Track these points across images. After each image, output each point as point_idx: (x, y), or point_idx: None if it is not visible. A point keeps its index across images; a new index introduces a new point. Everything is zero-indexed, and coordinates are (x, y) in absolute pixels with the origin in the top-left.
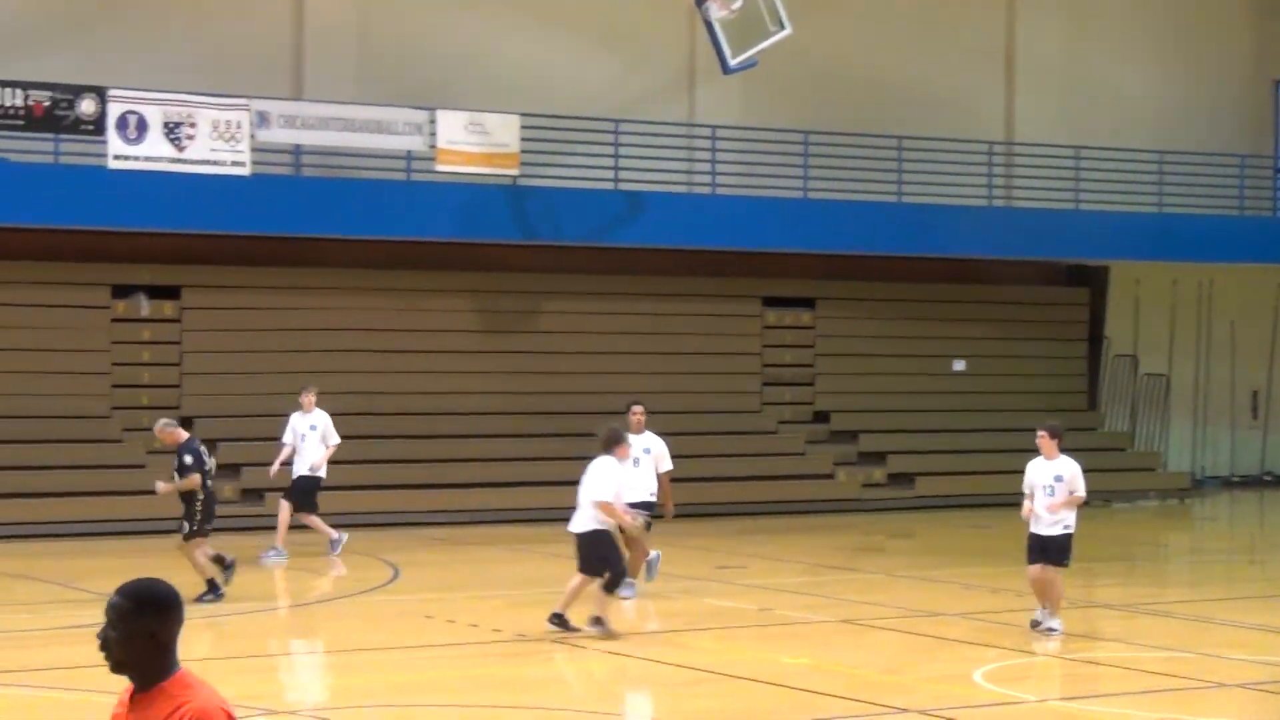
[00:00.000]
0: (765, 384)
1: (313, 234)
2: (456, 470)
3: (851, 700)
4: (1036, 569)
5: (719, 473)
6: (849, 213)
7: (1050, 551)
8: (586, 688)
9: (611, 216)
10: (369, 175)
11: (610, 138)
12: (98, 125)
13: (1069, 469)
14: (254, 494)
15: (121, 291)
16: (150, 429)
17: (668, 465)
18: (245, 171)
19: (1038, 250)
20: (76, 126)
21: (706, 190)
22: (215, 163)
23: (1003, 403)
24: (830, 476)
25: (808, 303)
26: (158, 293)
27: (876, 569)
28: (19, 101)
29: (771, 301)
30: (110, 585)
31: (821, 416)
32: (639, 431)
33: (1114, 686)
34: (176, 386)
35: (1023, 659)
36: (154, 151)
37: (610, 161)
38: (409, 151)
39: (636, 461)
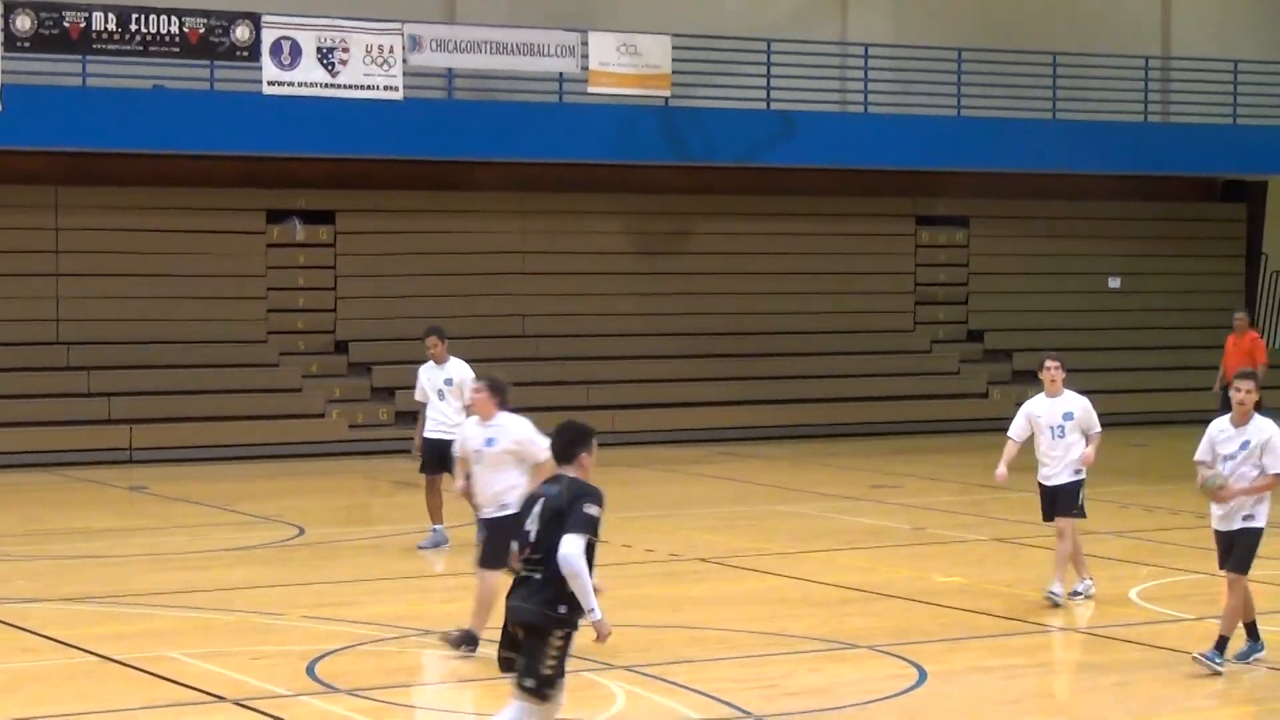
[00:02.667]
0: (918, 303)
1: (465, 157)
2: (608, 392)
3: (1006, 619)
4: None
5: (872, 392)
6: (1003, 130)
7: (1060, 501)
8: (739, 607)
9: (764, 137)
10: (521, 98)
11: (762, 57)
12: (252, 51)
13: (1078, 404)
14: (409, 417)
15: (276, 216)
16: (304, 353)
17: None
18: (398, 96)
19: (1194, 166)
20: (231, 53)
21: (859, 109)
22: (368, 87)
23: (1159, 320)
24: (984, 395)
25: (961, 221)
26: (312, 218)
27: (1031, 488)
28: (174, 29)
29: (925, 220)
30: (267, 508)
31: (975, 335)
32: (442, 361)
33: (1273, 604)
34: (331, 311)
35: (1179, 577)
36: (308, 77)
37: (762, 82)
38: (561, 74)
39: (441, 394)
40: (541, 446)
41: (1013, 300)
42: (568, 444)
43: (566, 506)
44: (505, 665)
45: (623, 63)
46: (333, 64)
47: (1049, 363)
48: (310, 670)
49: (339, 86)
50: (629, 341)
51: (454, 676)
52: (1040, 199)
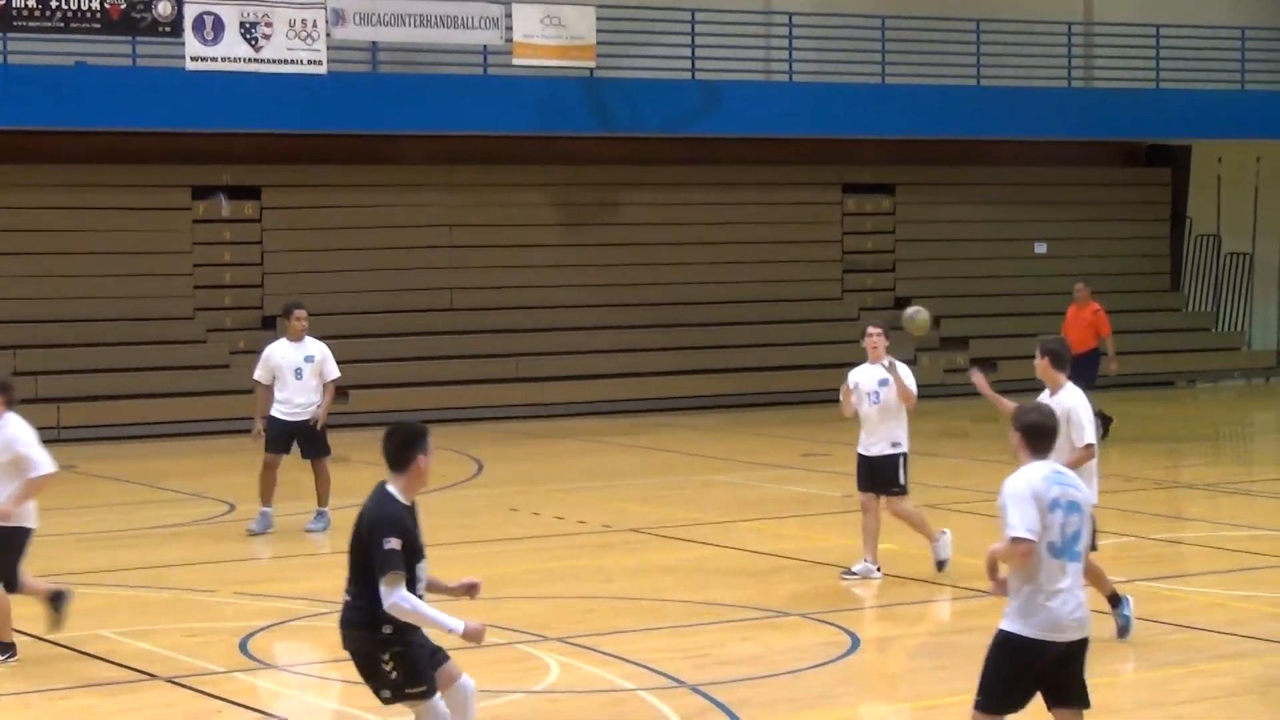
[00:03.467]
0: (846, 271)
1: (391, 131)
2: (536, 364)
3: (937, 585)
4: (869, 498)
5: (802, 361)
6: (928, 97)
7: (876, 475)
8: (672, 577)
9: (689, 107)
10: (446, 71)
11: (687, 28)
12: (174, 27)
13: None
14: (339, 392)
15: (202, 193)
16: (231, 328)
17: (334, 374)
18: (322, 70)
19: (1118, 131)
20: (153, 29)
21: (784, 78)
22: (292, 61)
23: None
24: (912, 362)
25: (887, 189)
26: (238, 193)
27: (959, 454)
28: (95, 5)
29: (851, 188)
30: (195, 485)
31: (903, 303)
32: (299, 339)
33: (1199, 566)
34: (259, 286)
35: (1108, 540)
36: (231, 52)
37: (687, 52)
38: (485, 46)
39: (299, 372)
40: (37, 458)
41: (940, 267)
42: (400, 448)
43: (366, 536)
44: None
45: (547, 34)
46: (255, 39)
47: (870, 329)
48: (243, 646)
49: (262, 61)
50: (558, 313)
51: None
52: (966, 166)
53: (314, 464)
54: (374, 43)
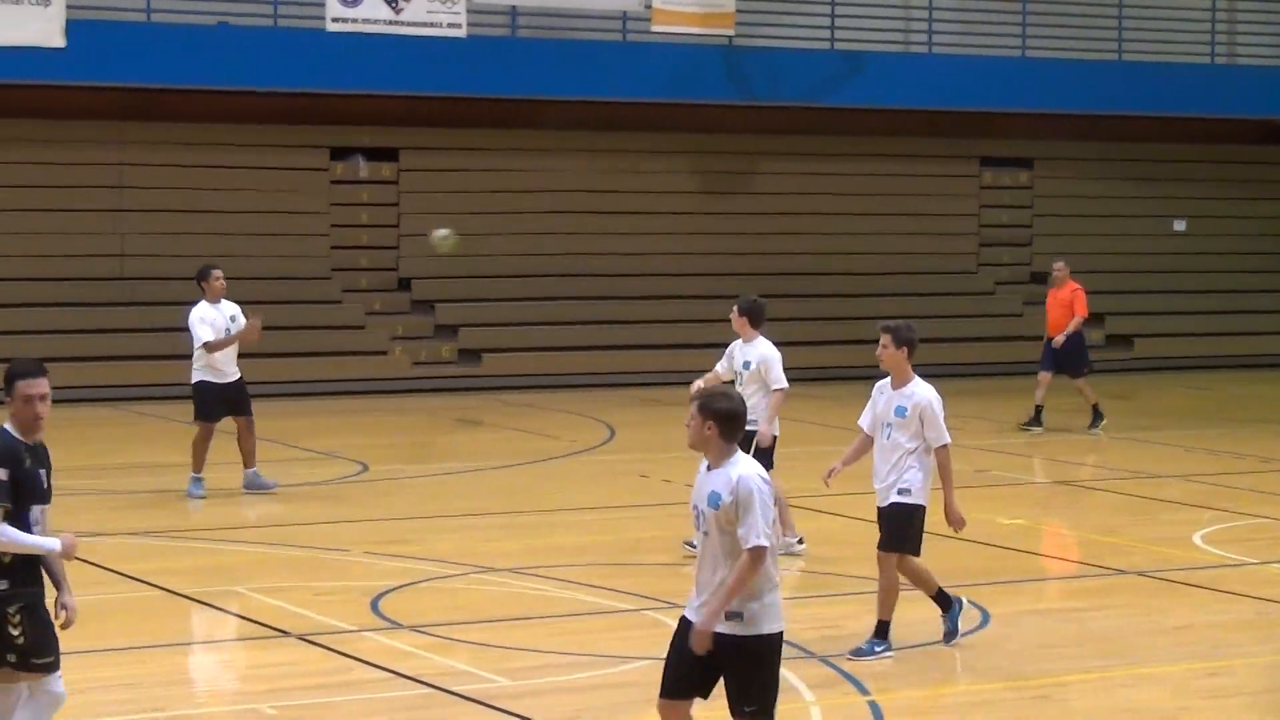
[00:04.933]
0: (982, 245)
1: (528, 95)
2: (669, 331)
3: (1068, 561)
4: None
5: (935, 334)
6: (1068, 71)
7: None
8: (805, 547)
9: (827, 76)
10: (584, 36)
11: None
12: None
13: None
14: (471, 355)
15: (340, 154)
16: (367, 290)
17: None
18: (461, 33)
19: (1260, 108)
20: None
21: (923, 49)
22: (432, 24)
23: (1222, 264)
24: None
25: (1025, 163)
26: (376, 155)
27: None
28: None
29: (989, 161)
30: (329, 444)
31: (1039, 277)
32: (217, 300)
33: None
34: (394, 248)
35: (1244, 521)
36: (371, 14)
37: (827, 21)
38: (624, 12)
39: (227, 331)
40: None
41: (1077, 242)
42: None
43: None
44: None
45: (686, 1)
46: (396, 1)
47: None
48: (374, 606)
49: (402, 24)
50: (691, 281)
51: (516, 613)
52: (1105, 140)
53: (247, 422)
54: (513, 7)
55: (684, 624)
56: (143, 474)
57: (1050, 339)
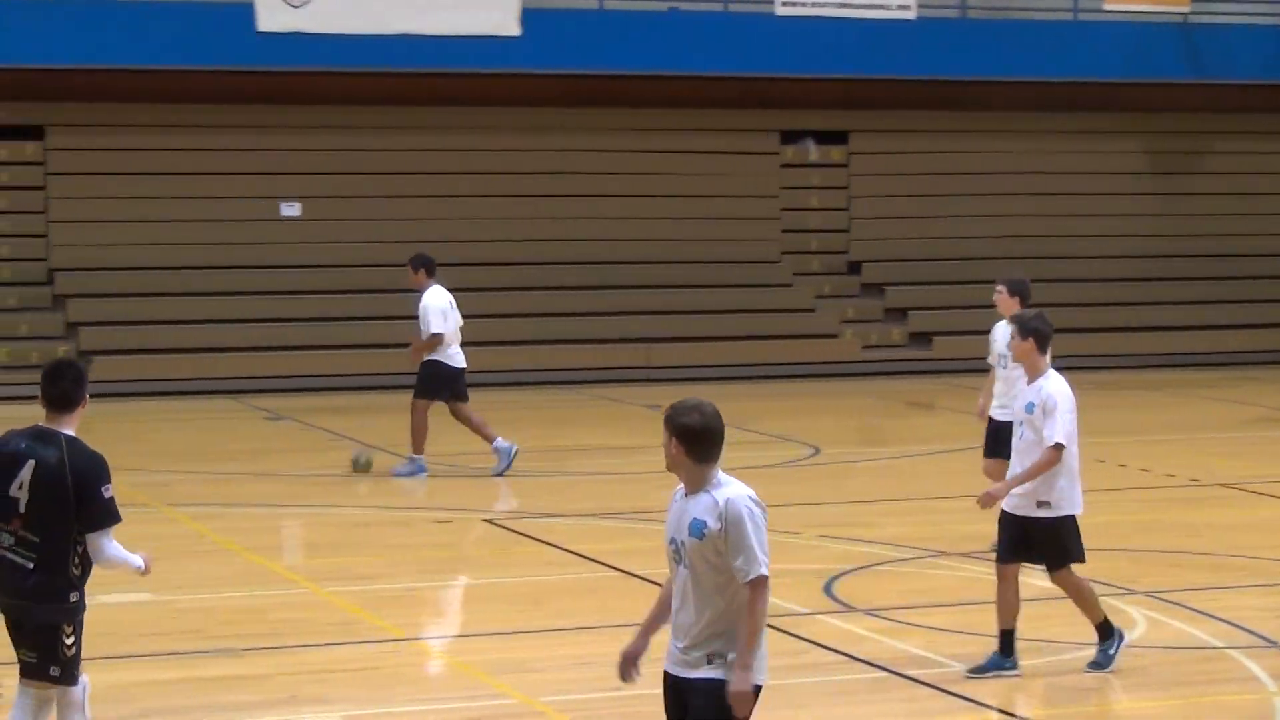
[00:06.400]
0: None
1: (978, 76)
2: (1115, 314)
3: None
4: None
5: None
6: None
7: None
8: (1265, 534)
9: None
10: (1035, 17)
11: None
12: None
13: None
14: (921, 338)
15: (790, 137)
16: (817, 273)
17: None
18: (910, 15)
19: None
20: None
21: None
22: (881, 6)
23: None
24: None
25: None
26: (825, 138)
27: None
28: None
29: None
30: (780, 428)
31: None
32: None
33: None
34: (845, 231)
35: None
36: None
37: None
38: None
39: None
40: None
41: None
42: (75, 384)
43: (74, 487)
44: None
45: None
46: None
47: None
48: (827, 589)
49: (851, 6)
50: (1141, 263)
51: (972, 596)
52: None
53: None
54: None
55: (668, 681)
56: (599, 456)
57: None
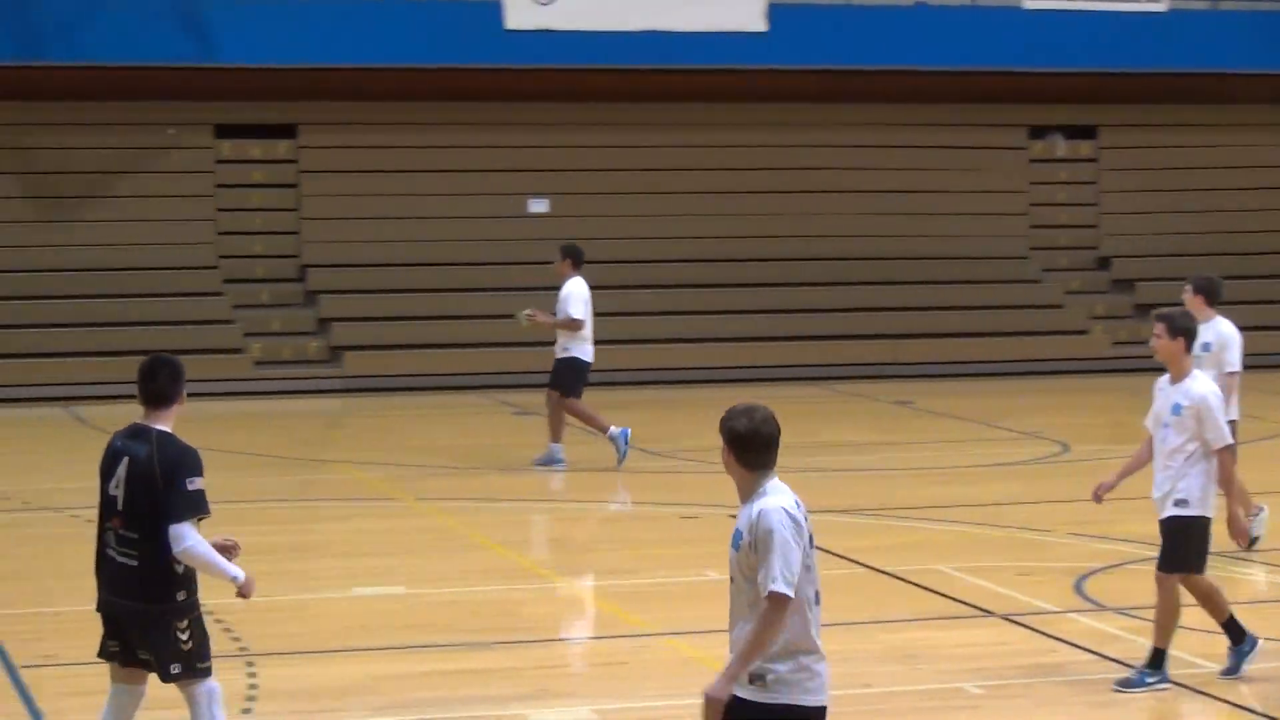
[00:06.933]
0: None
1: (1230, 69)
2: None
3: None
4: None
5: None
6: None
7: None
8: None
9: None
10: None
11: None
12: None
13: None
14: None
15: (1037, 132)
16: (1065, 269)
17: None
18: (1161, 7)
19: None
20: None
21: None
22: None
23: None
24: None
25: None
26: (1074, 132)
27: None
28: None
29: None
30: (1029, 424)
31: None
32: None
33: None
34: (1094, 227)
35: None
36: None
37: None
38: None
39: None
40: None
41: None
42: (171, 381)
43: (161, 479)
44: (117, 658)
45: None
46: None
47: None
48: (1078, 587)
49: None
50: None
51: (1246, 596)
52: None
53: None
54: None
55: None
56: (846, 452)
57: None
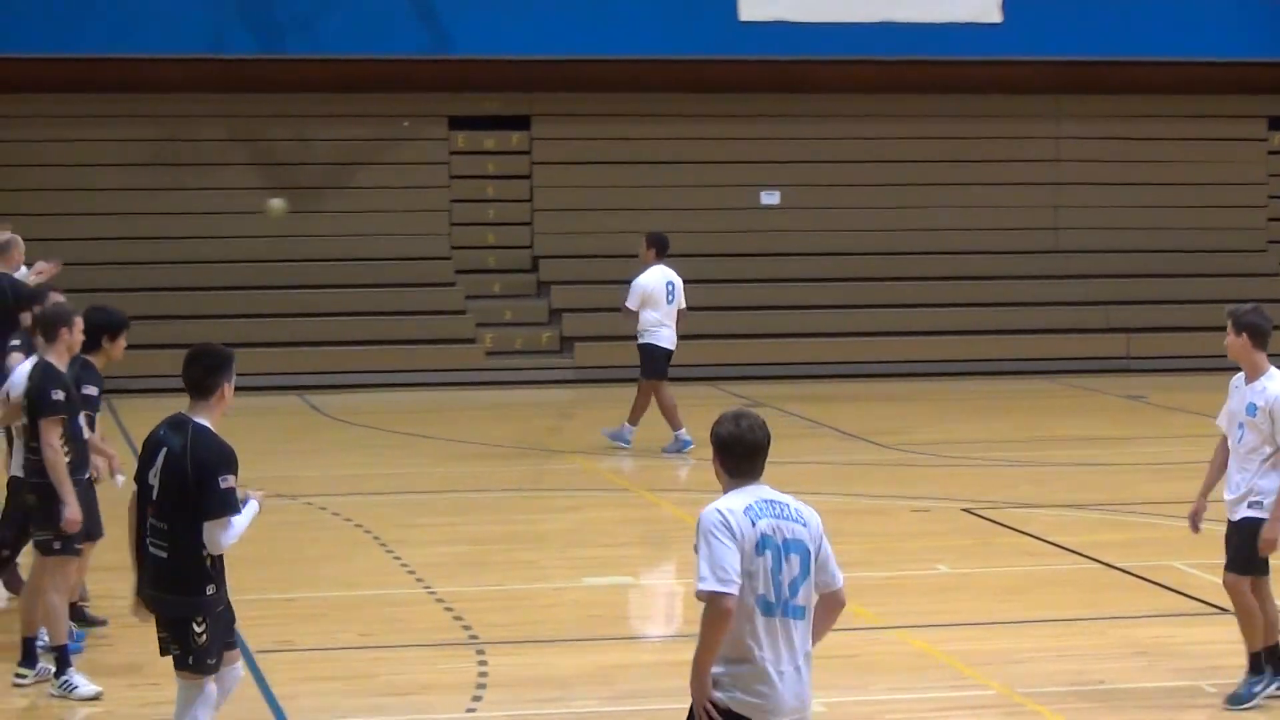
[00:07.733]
0: None
1: None
2: None
3: None
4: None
5: None
6: None
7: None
8: None
9: None
10: None
11: None
12: None
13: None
14: None
15: (1278, 124)
16: None
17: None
18: None
19: None
20: None
21: None
22: None
23: None
24: None
25: None
26: None
27: None
28: None
29: None
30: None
31: None
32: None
33: None
34: None
35: None
36: None
37: None
38: None
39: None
40: None
41: None
42: (207, 372)
43: (193, 476)
44: (165, 647)
45: None
46: None
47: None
48: None
49: None
50: None
51: None
52: None
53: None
54: None
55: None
56: (1078, 446)
57: None
